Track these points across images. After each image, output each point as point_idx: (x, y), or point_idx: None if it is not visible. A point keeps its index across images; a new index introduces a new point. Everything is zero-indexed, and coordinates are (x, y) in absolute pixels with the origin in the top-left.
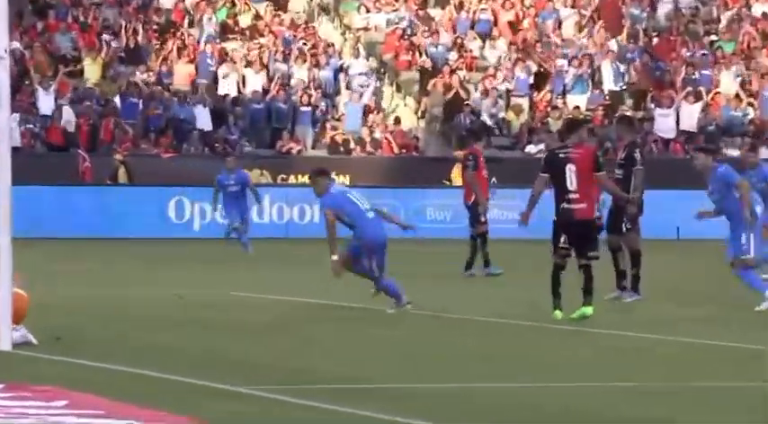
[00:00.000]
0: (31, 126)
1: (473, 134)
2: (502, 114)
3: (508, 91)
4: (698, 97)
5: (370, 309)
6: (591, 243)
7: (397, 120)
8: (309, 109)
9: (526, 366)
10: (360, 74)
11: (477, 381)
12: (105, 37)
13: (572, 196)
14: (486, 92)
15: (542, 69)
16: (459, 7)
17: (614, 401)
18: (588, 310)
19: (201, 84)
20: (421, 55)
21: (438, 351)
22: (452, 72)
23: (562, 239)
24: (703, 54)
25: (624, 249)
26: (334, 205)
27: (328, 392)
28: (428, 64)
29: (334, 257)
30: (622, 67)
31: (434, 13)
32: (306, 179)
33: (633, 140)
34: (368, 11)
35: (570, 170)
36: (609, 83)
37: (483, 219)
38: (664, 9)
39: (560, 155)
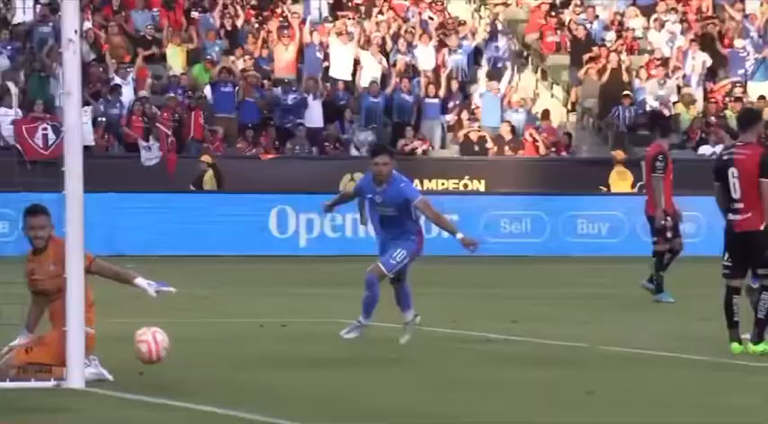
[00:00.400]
0: (107, 121)
1: (661, 127)
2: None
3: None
4: None
5: (514, 341)
6: (758, 260)
7: (545, 115)
8: (437, 101)
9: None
10: (498, 58)
11: None
12: (194, 14)
13: (736, 205)
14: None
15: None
16: None
17: None
18: (750, 347)
19: (308, 72)
20: (572, 35)
21: (616, 397)
22: (609, 54)
23: (726, 256)
24: None
25: None
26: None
27: None
28: (581, 46)
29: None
30: None
31: None
32: (438, 183)
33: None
34: None
35: (733, 174)
36: None
37: (669, 234)
38: None
39: (724, 158)
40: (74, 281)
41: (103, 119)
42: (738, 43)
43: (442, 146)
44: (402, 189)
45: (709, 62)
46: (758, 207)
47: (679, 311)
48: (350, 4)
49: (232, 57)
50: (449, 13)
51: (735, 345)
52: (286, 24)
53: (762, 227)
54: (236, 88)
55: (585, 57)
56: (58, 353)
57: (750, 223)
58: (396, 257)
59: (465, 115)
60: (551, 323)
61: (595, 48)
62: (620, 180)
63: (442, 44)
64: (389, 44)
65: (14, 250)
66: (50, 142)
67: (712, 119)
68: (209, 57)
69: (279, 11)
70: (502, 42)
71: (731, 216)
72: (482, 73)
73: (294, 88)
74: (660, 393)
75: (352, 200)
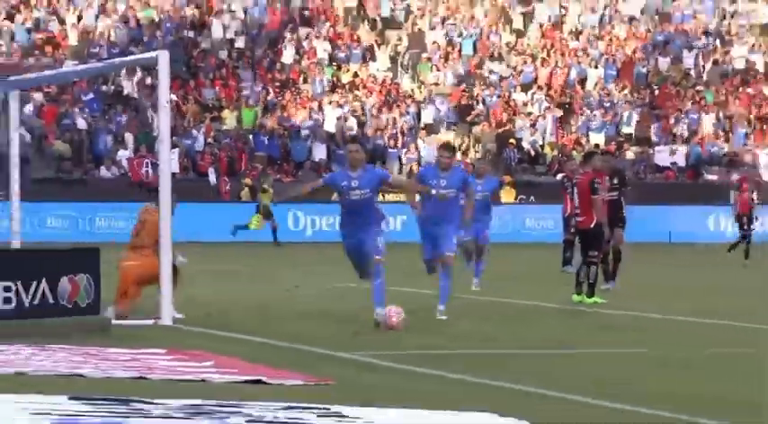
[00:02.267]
0: (187, 157)
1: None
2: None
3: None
4: (687, 137)
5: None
6: (588, 246)
7: (463, 154)
8: (395, 149)
9: None
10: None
11: None
12: (244, 92)
13: (577, 211)
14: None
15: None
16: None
17: None
18: (585, 299)
19: (315, 126)
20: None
21: None
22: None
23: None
24: (691, 103)
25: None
26: None
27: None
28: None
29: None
30: (635, 114)
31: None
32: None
33: (620, 169)
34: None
35: (575, 192)
36: (624, 127)
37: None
38: (664, 67)
39: (573, 181)
40: (165, 252)
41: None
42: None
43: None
44: (376, 172)
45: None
46: (590, 212)
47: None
48: (341, 85)
49: (267, 118)
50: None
51: (574, 296)
52: (300, 97)
53: (591, 226)
54: (267, 137)
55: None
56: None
57: (585, 223)
58: (379, 243)
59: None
60: None
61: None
62: (508, 194)
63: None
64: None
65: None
66: (151, 172)
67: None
68: (253, 109)
69: (294, 88)
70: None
71: (576, 218)
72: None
73: (307, 136)
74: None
75: (314, 192)
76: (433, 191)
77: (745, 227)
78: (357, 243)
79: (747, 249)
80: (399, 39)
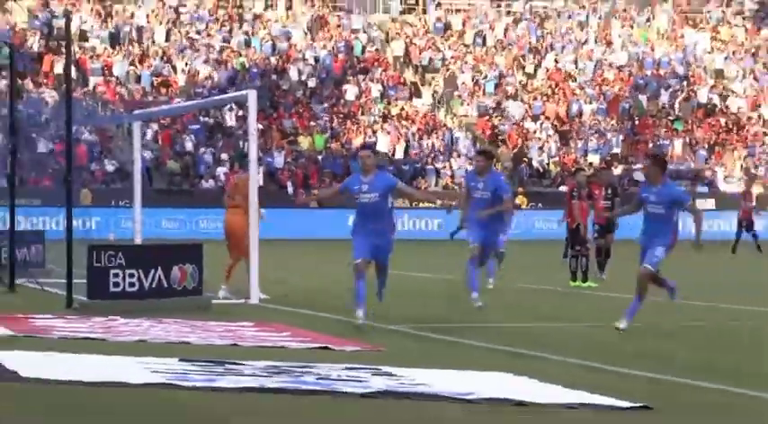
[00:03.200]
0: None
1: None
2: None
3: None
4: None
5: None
6: (575, 241)
7: None
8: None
9: None
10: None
11: None
12: (312, 123)
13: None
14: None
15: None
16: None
17: None
18: (581, 284)
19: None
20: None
21: None
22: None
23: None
24: (664, 130)
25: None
26: None
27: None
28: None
29: (438, 200)
30: (620, 139)
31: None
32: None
33: (613, 182)
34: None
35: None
36: (614, 148)
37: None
38: (643, 103)
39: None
40: (253, 247)
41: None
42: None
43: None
44: (386, 177)
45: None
46: (573, 215)
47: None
48: (391, 116)
49: (333, 142)
50: (436, 120)
51: (570, 282)
52: (358, 127)
53: (573, 226)
54: (333, 157)
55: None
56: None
57: (570, 224)
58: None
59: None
60: None
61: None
62: (521, 202)
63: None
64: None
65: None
66: None
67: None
68: (322, 135)
69: (354, 119)
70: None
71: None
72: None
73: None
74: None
75: (333, 198)
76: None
77: (746, 231)
78: (370, 247)
79: (758, 244)
80: (436, 80)
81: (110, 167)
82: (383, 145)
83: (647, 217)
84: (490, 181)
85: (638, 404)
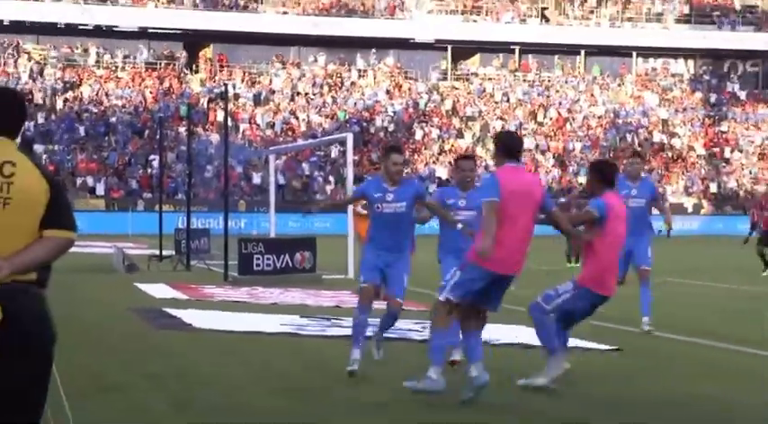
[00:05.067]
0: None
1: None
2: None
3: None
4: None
5: None
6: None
7: None
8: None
9: None
10: None
11: None
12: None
13: None
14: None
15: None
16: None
17: None
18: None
19: (430, 173)
20: None
21: None
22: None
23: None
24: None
25: None
26: None
27: None
28: None
29: (459, 225)
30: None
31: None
32: None
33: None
34: None
35: None
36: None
37: None
38: (618, 143)
39: None
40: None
41: None
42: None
43: None
44: (413, 184)
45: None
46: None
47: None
48: (444, 151)
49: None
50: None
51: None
52: (421, 158)
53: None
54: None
55: None
56: None
57: None
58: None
59: None
60: None
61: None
62: None
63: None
64: None
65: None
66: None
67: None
68: None
69: (419, 153)
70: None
71: None
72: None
73: (424, 178)
74: None
75: (344, 207)
76: (459, 226)
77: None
78: (383, 265)
79: None
80: (475, 127)
81: (255, 181)
82: (440, 172)
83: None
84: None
85: (612, 347)
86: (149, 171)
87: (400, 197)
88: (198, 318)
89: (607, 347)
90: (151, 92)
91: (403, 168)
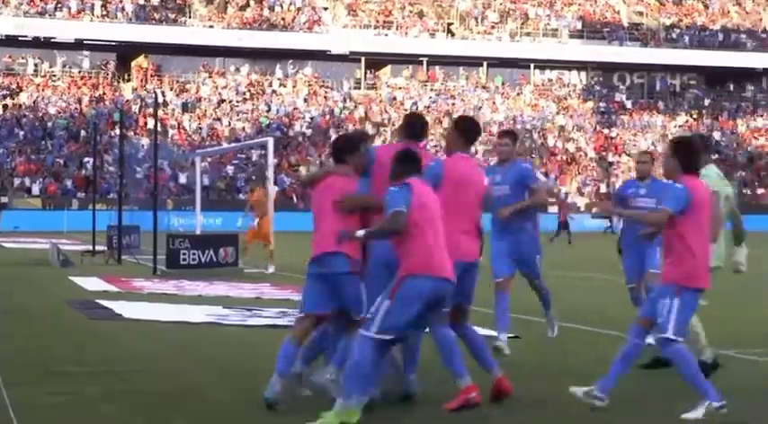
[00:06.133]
0: None
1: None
2: None
3: None
4: None
5: None
6: None
7: None
8: None
9: None
10: None
11: None
12: (308, 157)
13: None
14: None
15: None
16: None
17: None
18: None
19: None
20: None
21: None
22: None
23: None
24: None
25: None
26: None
27: None
28: None
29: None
30: None
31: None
32: None
33: None
34: None
35: None
36: None
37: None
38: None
39: None
40: (270, 234)
41: None
42: None
43: None
44: (522, 168)
45: None
46: None
47: None
48: None
49: None
50: None
51: None
52: None
53: None
54: None
55: None
56: None
57: None
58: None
59: None
60: None
61: None
62: None
63: None
64: None
65: None
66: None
67: None
68: None
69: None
70: None
71: None
72: None
73: None
74: None
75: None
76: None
77: None
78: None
79: None
80: (386, 131)
81: (182, 182)
82: None
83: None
84: (512, 169)
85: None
86: (84, 172)
87: (507, 179)
88: (128, 309)
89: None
90: (87, 100)
91: (507, 148)
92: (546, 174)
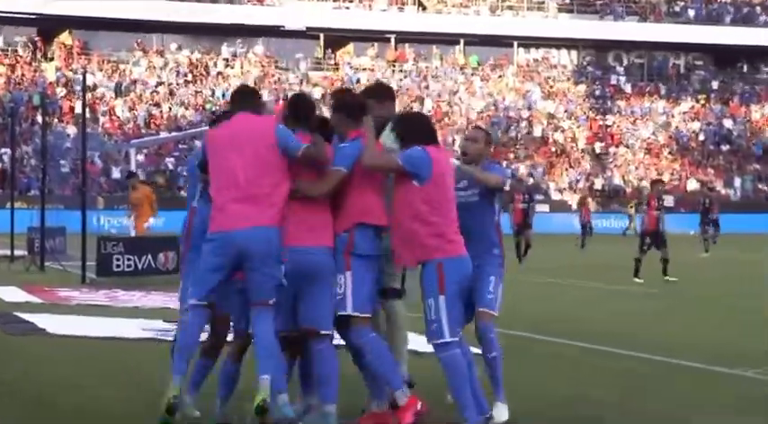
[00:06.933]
0: None
1: None
2: None
3: None
4: None
5: None
6: None
7: None
8: None
9: None
10: None
11: None
12: None
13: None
14: None
15: None
16: None
17: None
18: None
19: None
20: None
21: None
22: None
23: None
24: (513, 156)
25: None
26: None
27: None
28: None
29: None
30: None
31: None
32: None
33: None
34: None
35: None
36: None
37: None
38: (498, 133)
39: None
40: None
41: None
42: None
43: None
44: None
45: None
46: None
47: None
48: None
49: None
50: None
51: None
52: None
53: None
54: None
55: None
56: None
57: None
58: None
59: None
60: None
61: None
62: None
63: None
64: None
65: None
66: None
67: None
68: None
69: None
70: None
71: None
72: None
73: None
74: None
75: None
76: None
77: None
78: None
79: None
80: None
81: (115, 176)
82: None
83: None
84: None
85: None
86: (0, 165)
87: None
88: (53, 323)
89: None
90: (2, 81)
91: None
92: (534, 167)
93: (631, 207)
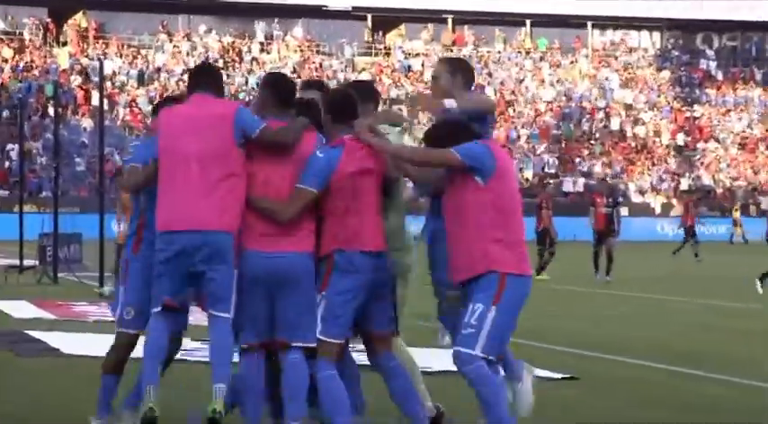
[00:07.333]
0: None
1: None
2: None
3: None
4: (584, 172)
5: None
6: None
7: None
8: None
9: None
10: None
11: None
12: None
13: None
14: None
15: None
16: None
17: None
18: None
19: None
20: None
21: None
22: None
23: None
24: (587, 152)
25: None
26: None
27: None
28: None
29: None
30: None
31: None
32: None
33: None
34: None
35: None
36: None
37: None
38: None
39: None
40: None
41: None
42: None
43: None
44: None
45: None
46: (540, 220)
47: None
48: None
49: None
50: None
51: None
52: None
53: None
54: None
55: None
56: None
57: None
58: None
59: None
60: None
61: None
62: None
63: None
64: None
65: None
66: None
67: None
68: None
69: None
70: None
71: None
72: None
73: None
74: None
75: None
76: None
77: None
78: None
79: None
80: (401, 109)
81: None
82: None
83: None
84: None
85: (567, 375)
86: (7, 164)
87: None
88: (68, 342)
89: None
90: (9, 69)
91: None
92: (609, 165)
93: (736, 210)
